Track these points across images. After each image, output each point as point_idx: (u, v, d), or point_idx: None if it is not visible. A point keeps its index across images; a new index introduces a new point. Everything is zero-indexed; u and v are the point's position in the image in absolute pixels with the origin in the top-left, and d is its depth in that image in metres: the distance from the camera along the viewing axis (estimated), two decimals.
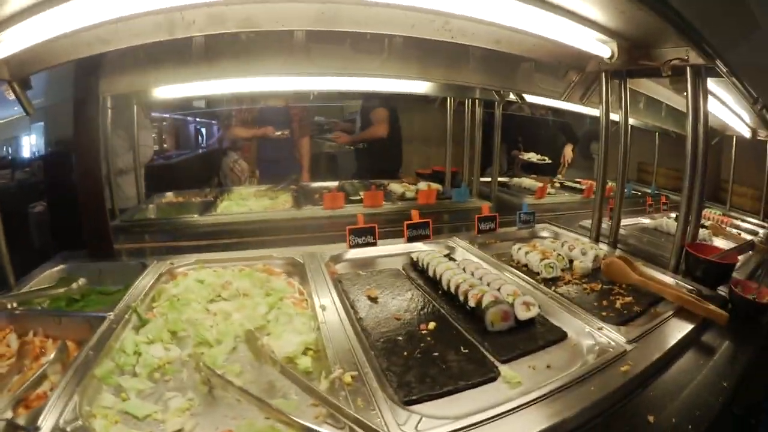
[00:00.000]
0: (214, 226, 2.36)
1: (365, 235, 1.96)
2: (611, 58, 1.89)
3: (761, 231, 3.32)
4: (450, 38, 1.76)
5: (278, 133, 3.51)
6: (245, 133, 3.53)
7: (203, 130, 3.77)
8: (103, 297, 1.61)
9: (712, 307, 1.50)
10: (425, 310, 1.54)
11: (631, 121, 3.72)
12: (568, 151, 4.64)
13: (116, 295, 1.54)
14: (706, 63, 1.78)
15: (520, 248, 1.96)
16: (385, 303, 1.58)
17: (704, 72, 1.86)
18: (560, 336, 1.40)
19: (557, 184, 4.16)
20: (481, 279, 1.61)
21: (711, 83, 2.27)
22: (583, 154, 4.70)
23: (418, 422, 0.96)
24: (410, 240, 2.07)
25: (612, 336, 1.34)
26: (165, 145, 3.38)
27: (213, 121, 3.71)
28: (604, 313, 1.53)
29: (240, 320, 1.39)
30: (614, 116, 2.34)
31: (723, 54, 1.74)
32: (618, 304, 1.61)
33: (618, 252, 2.17)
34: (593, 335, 1.36)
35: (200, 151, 3.71)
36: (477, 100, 3.06)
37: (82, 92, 1.85)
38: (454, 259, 1.93)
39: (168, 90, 2.22)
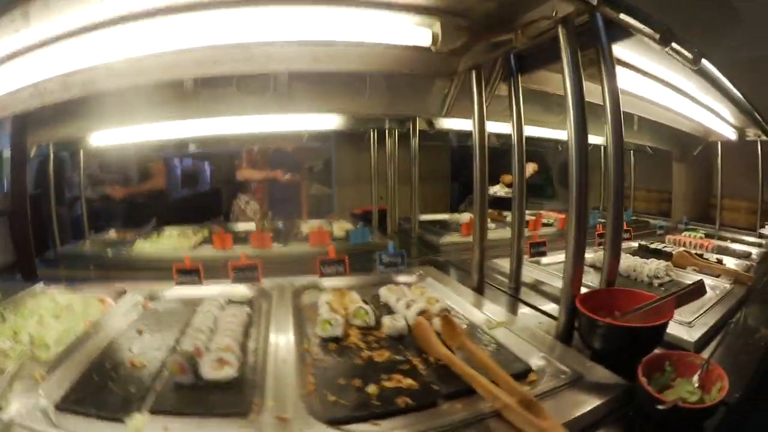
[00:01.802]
0: (111, 261, 2.48)
1: (190, 274, 1.84)
2: (435, 43, 1.49)
3: (755, 251, 2.61)
4: (260, 69, 1.65)
5: (287, 176, 3.56)
6: (256, 175, 3.64)
7: (203, 168, 4.04)
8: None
9: (545, 423, 0.90)
10: (157, 349, 1.35)
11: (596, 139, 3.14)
12: (529, 169, 3.86)
13: None
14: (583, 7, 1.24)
15: (323, 296, 1.59)
16: (141, 337, 1.46)
17: (602, 25, 1.36)
18: (233, 411, 1.03)
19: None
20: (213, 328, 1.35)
21: (674, 74, 1.97)
22: (565, 184, 3.88)
23: None
24: (235, 281, 1.85)
25: None
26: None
27: (205, 162, 3.94)
28: (333, 398, 1.07)
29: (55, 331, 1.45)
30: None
31: None
32: (375, 388, 1.09)
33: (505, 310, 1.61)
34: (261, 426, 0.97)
35: (200, 190, 3.96)
36: (388, 131, 2.81)
37: (14, 140, 2.16)
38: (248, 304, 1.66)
39: (94, 137, 2.46)
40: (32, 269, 2.19)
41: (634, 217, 3.71)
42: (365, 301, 1.70)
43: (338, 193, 3.80)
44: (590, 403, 1.02)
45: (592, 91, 1.49)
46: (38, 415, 1.00)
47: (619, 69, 1.75)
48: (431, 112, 2.31)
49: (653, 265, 2.04)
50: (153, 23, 1.36)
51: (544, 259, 2.36)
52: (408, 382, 1.11)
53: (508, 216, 3.55)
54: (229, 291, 1.76)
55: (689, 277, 1.99)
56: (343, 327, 1.39)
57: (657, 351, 1.17)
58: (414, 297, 1.57)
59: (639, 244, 2.75)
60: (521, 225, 1.84)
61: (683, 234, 2.94)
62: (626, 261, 2.12)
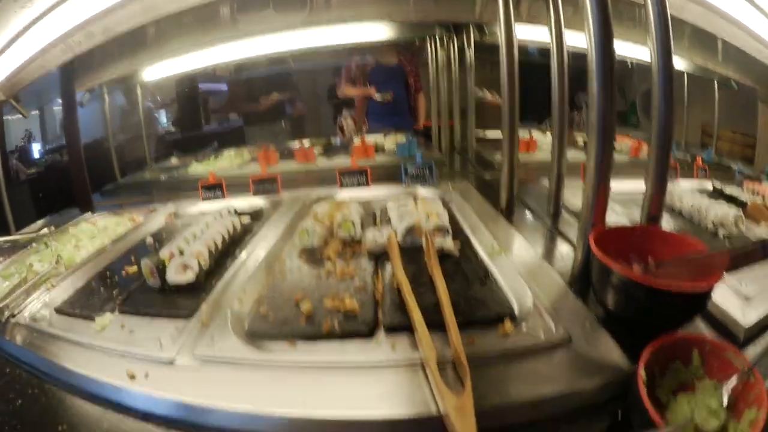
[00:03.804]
0: (162, 185, 2.73)
1: (214, 190, 1.96)
2: None
3: None
4: None
5: (378, 95, 3.57)
6: (352, 91, 3.76)
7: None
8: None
9: (454, 397, 0.73)
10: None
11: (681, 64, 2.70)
12: None
13: None
14: None
15: (320, 207, 1.51)
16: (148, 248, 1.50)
17: None
18: (179, 313, 1.09)
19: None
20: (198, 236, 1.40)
21: None
22: (645, 113, 3.65)
23: None
24: (256, 194, 1.95)
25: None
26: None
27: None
28: (264, 310, 1.05)
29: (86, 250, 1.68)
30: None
31: None
32: (310, 306, 1.02)
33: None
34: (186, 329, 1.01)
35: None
36: (435, 38, 2.63)
37: (62, 91, 2.41)
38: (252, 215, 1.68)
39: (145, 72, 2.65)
40: (88, 201, 2.42)
41: (712, 160, 3.08)
42: (373, 214, 1.62)
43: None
44: (559, 383, 0.79)
45: None
46: (40, 316, 1.18)
47: None
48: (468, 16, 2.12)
49: (722, 210, 1.70)
50: None
51: None
52: (350, 304, 1.02)
53: (581, 139, 3.20)
54: (245, 204, 1.83)
55: (763, 235, 1.60)
56: (321, 237, 1.33)
57: (687, 329, 0.91)
58: (412, 210, 1.41)
59: (714, 186, 2.39)
60: (562, 143, 1.58)
61: (764, 183, 2.41)
62: (691, 199, 1.86)
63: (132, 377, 0.87)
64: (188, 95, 3.53)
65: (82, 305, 1.22)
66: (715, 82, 3.13)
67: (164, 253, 1.28)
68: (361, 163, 2.32)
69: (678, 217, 1.84)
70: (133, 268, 1.40)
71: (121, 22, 1.82)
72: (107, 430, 0.81)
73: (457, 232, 1.41)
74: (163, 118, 3.45)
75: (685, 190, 1.98)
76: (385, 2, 2.15)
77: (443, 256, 1.24)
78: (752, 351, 0.93)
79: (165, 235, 1.72)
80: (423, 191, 1.87)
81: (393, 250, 1.16)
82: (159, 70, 2.62)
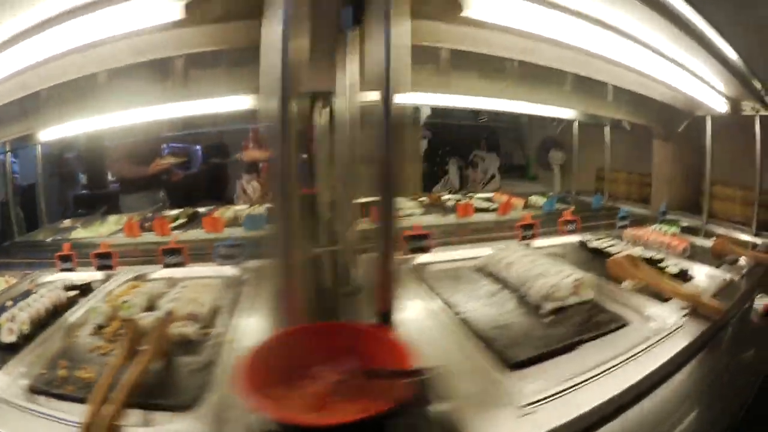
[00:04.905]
0: (47, 247, 3.05)
1: (68, 261, 2.44)
2: None
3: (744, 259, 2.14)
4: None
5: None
6: (261, 154, 3.98)
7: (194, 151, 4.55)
8: None
9: None
10: None
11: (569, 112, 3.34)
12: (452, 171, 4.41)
13: None
14: None
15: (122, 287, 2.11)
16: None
17: None
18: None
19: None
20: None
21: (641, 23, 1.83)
22: (541, 164, 4.58)
23: None
24: (99, 269, 2.42)
25: None
26: None
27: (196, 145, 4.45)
28: (43, 372, 1.48)
29: None
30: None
31: None
32: (65, 372, 1.45)
33: None
34: None
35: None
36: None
37: None
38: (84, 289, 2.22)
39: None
40: None
41: (609, 203, 3.64)
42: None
43: None
44: None
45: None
46: None
47: (571, 20, 1.70)
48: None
49: (552, 279, 1.49)
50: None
51: (424, 257, 2.20)
52: (89, 375, 1.40)
53: (451, 199, 3.73)
54: (87, 276, 2.39)
55: (620, 299, 1.51)
56: (106, 316, 1.85)
57: None
58: (184, 295, 1.91)
59: (579, 241, 2.42)
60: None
61: (653, 227, 2.58)
62: (522, 266, 1.67)
63: None
64: (83, 157, 3.91)
65: None
66: (606, 128, 3.71)
67: (2, 318, 1.79)
68: (212, 237, 2.73)
69: (504, 290, 1.69)
70: None
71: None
72: None
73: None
74: (60, 178, 3.86)
75: (522, 255, 1.83)
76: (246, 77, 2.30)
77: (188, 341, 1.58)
78: None
79: (20, 299, 2.12)
80: (230, 271, 2.23)
81: (128, 336, 1.49)
82: (54, 132, 2.91)
